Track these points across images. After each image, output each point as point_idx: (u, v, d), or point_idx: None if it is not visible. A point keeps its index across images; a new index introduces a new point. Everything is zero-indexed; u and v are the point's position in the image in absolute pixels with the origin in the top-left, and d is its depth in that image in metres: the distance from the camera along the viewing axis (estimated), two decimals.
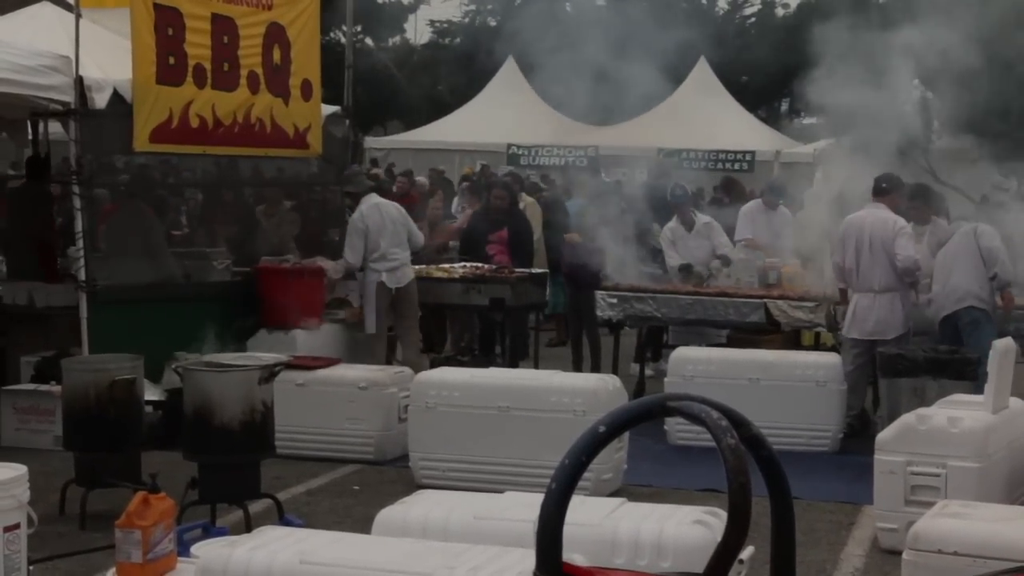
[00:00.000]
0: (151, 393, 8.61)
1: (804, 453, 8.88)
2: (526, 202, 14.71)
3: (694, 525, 4.81)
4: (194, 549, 4.83)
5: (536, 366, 11.07)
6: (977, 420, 6.83)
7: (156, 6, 9.70)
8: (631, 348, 12.23)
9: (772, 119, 26.85)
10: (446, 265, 12.17)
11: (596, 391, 7.87)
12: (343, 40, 20.07)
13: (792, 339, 10.88)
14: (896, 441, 6.85)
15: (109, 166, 12.44)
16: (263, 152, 11.25)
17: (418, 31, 39.21)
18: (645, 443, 8.90)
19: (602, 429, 2.30)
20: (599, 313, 10.98)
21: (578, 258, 11.81)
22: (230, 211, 13.74)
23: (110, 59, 9.74)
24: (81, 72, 9.22)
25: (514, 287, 11.25)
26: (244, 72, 10.50)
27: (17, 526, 5.21)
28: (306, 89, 11.17)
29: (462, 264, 12.05)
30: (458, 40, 36.44)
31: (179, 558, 4.74)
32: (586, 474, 2.33)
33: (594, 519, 4.81)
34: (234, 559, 4.21)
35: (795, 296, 10.42)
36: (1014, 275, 9.51)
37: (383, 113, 32.42)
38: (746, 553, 4.05)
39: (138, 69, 9.60)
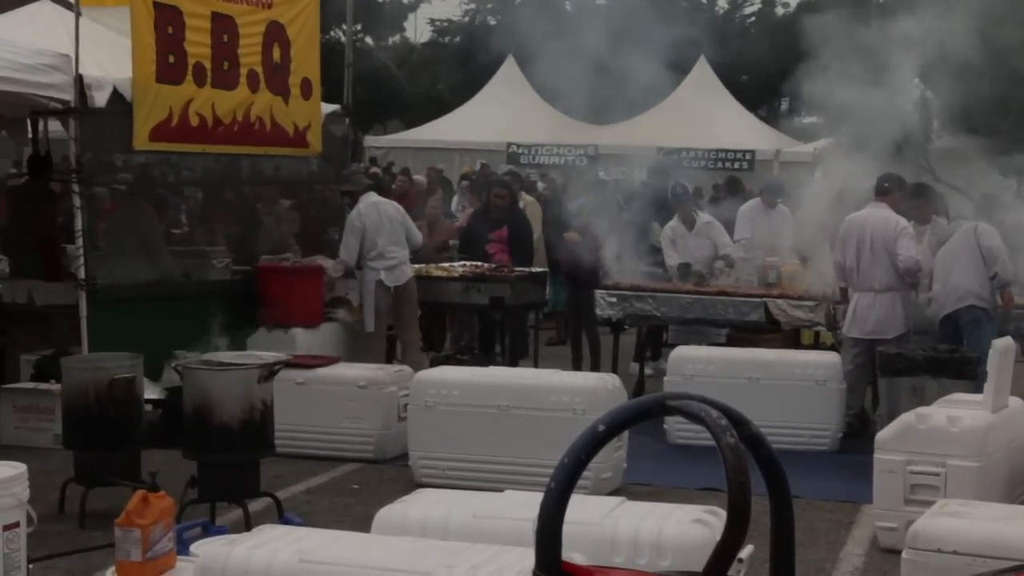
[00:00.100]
0: (151, 392, 8.61)
1: (804, 452, 8.89)
2: (526, 201, 14.71)
3: (693, 524, 4.81)
4: (193, 548, 4.83)
5: (536, 365, 11.07)
6: (977, 419, 6.83)
7: (156, 4, 9.70)
8: (630, 347, 12.24)
9: (772, 118, 26.83)
10: (446, 264, 12.17)
11: (595, 390, 7.87)
12: (343, 39, 20.08)
13: (792, 338, 10.89)
14: (896, 440, 6.85)
15: (109, 165, 12.44)
16: (263, 151, 11.26)
17: (418, 30, 39.21)
18: (644, 442, 8.90)
19: (601, 428, 2.30)
20: (599, 312, 10.98)
21: (577, 257, 11.81)
22: (230, 210, 13.73)
23: (110, 57, 9.75)
24: (81, 70, 9.22)
25: (514, 286, 11.25)
26: (244, 71, 10.51)
27: (17, 524, 5.21)
28: (306, 88, 11.18)
29: (462, 263, 12.05)
30: (458, 39, 36.44)
31: (178, 557, 4.74)
32: (585, 473, 2.33)
33: (593, 518, 4.81)
34: (233, 558, 4.21)
35: (795, 295, 10.42)
36: (1014, 274, 9.51)
37: (383, 112, 32.41)
38: (745, 552, 4.05)
39: (138, 68, 9.60)
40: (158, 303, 9.88)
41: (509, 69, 25.25)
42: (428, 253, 12.86)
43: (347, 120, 12.25)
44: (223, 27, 10.32)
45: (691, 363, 9.50)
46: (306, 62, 11.18)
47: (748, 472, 2.18)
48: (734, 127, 23.53)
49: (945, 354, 8.68)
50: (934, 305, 9.64)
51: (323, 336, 10.60)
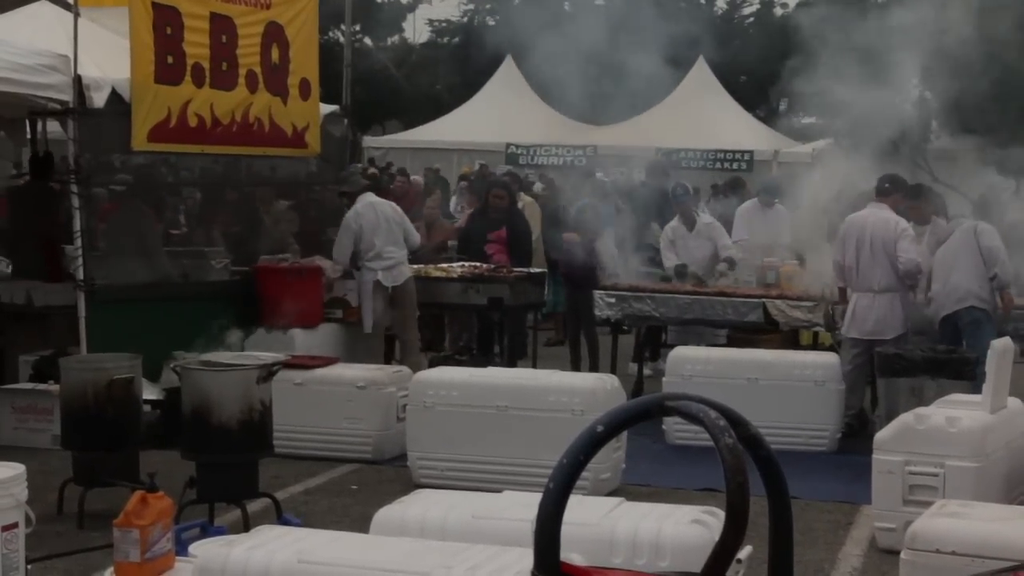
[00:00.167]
0: (149, 392, 8.61)
1: (802, 453, 8.89)
2: (525, 202, 14.70)
3: (692, 524, 4.81)
4: (192, 548, 4.83)
5: (534, 365, 11.06)
6: (975, 420, 6.83)
7: (155, 5, 9.70)
8: (629, 347, 12.24)
9: (770, 119, 26.81)
10: (444, 264, 12.17)
11: (594, 390, 7.87)
12: (342, 39, 20.08)
13: (790, 339, 10.89)
14: (894, 441, 6.85)
15: (107, 165, 12.43)
16: (261, 151, 11.25)
17: (417, 30, 39.19)
18: (643, 442, 8.91)
19: (600, 428, 2.30)
20: (597, 312, 10.98)
21: (576, 257, 11.81)
22: (229, 210, 13.72)
23: (108, 58, 9.75)
24: (79, 71, 9.21)
25: (512, 286, 11.25)
26: (242, 71, 10.50)
27: (15, 525, 5.21)
28: (304, 88, 11.17)
29: (460, 263, 12.05)
30: (457, 39, 36.43)
31: (177, 557, 4.74)
32: (584, 473, 2.33)
33: (592, 518, 4.81)
34: (232, 558, 4.21)
35: (793, 296, 10.42)
36: (1014, 276, 9.51)
37: (382, 112, 32.37)
38: (744, 553, 4.05)
39: (136, 68, 9.59)
40: (157, 304, 9.87)
41: (508, 70, 25.25)
42: (427, 254, 12.87)
43: (346, 120, 12.25)
44: (222, 28, 10.32)
45: (690, 364, 9.49)
46: (305, 62, 11.18)
47: (746, 473, 2.18)
48: (733, 127, 23.52)
49: (944, 355, 8.68)
50: (934, 305, 9.64)
51: (322, 337, 10.60)
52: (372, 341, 10.84)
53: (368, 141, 25.57)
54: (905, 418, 6.99)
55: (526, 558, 3.05)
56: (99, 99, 9.40)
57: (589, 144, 22.82)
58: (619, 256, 11.42)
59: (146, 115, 9.67)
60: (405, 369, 9.33)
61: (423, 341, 12.04)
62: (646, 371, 11.74)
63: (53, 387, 8.62)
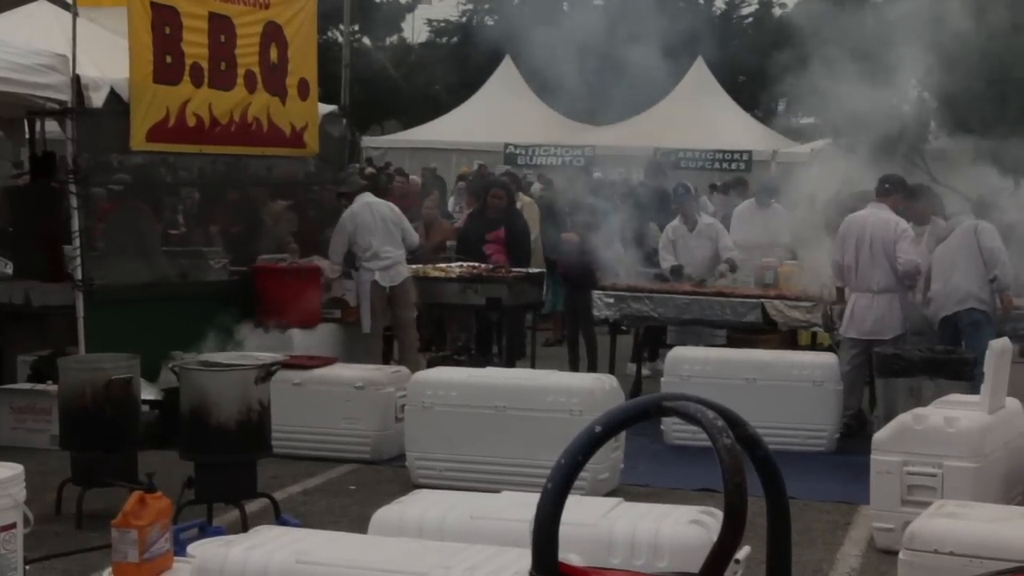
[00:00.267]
0: (148, 392, 8.60)
1: (800, 453, 8.89)
2: (523, 202, 14.70)
3: (690, 525, 4.81)
4: (190, 549, 4.83)
5: (533, 366, 11.06)
6: (973, 420, 6.84)
7: (153, 5, 9.70)
8: (628, 348, 12.24)
9: (769, 119, 26.83)
10: (443, 264, 12.17)
11: (593, 391, 7.87)
12: (340, 39, 20.07)
13: (789, 339, 10.89)
14: (892, 441, 6.85)
15: (106, 165, 12.42)
16: (260, 151, 11.24)
17: (416, 30, 39.19)
18: (642, 443, 8.91)
19: (598, 429, 2.30)
20: (596, 313, 10.98)
21: (574, 257, 11.81)
22: (227, 210, 13.71)
23: (107, 58, 9.74)
24: (78, 71, 9.21)
25: (511, 286, 11.25)
26: (241, 71, 10.50)
27: (13, 525, 5.21)
28: (303, 88, 11.17)
29: (459, 263, 12.05)
30: (455, 39, 36.44)
31: (175, 558, 4.74)
32: (582, 474, 2.33)
33: (590, 519, 4.81)
34: (230, 559, 4.21)
35: (792, 296, 10.42)
36: (1014, 277, 9.50)
37: (380, 112, 32.38)
38: (742, 553, 4.05)
39: (135, 68, 9.59)
40: (155, 304, 9.87)
41: (506, 70, 25.26)
42: (425, 254, 12.87)
43: (344, 120, 12.24)
44: (220, 27, 10.32)
45: (688, 364, 9.49)
46: (303, 62, 11.18)
47: (744, 473, 2.18)
48: (731, 127, 23.54)
49: (942, 355, 8.68)
50: (933, 305, 9.63)
51: (320, 337, 10.59)
52: (370, 341, 10.84)
53: (367, 141, 25.59)
54: (903, 418, 6.99)
55: (524, 558, 3.05)
56: (97, 99, 9.39)
57: (587, 144, 22.82)
58: (619, 256, 11.42)
59: (144, 115, 9.67)
60: (403, 369, 9.33)
61: (421, 341, 12.04)
62: (644, 371, 11.74)
63: (51, 387, 8.61)
